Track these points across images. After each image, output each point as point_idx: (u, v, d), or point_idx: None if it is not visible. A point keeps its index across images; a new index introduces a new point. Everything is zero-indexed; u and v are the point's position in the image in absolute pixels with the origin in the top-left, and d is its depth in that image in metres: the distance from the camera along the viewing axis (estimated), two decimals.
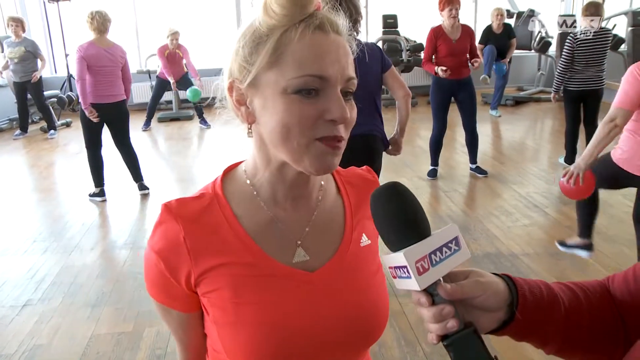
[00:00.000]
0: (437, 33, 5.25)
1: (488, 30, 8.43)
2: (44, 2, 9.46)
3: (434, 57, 5.31)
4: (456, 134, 7.23)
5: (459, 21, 5.26)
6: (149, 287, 0.89)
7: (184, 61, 8.21)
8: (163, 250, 0.83)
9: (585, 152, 3.03)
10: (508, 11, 9.87)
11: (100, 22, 4.76)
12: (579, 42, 5.16)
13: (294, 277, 0.85)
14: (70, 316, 3.16)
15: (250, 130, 0.84)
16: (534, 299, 0.74)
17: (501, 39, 8.32)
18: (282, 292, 0.84)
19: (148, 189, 5.25)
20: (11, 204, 5.23)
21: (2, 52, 7.68)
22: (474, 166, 5.60)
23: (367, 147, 2.97)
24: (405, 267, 0.66)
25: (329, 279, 0.88)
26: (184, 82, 8.26)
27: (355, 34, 2.93)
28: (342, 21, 0.80)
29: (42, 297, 3.38)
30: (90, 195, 5.12)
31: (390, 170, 5.81)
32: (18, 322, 3.13)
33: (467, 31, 5.32)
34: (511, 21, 9.70)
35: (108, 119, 4.97)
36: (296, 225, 0.89)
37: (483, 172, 5.52)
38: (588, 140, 5.46)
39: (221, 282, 0.83)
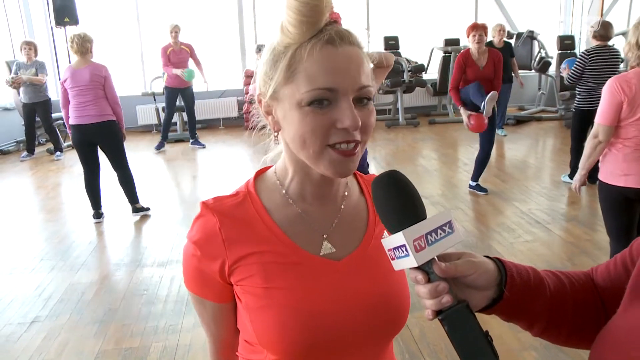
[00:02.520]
0: (465, 59, 5.30)
1: (489, 45, 8.51)
2: (51, 27, 9.63)
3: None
4: (459, 152, 7.32)
5: (484, 46, 5.34)
6: (186, 279, 0.98)
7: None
8: (200, 240, 0.92)
9: (579, 167, 3.09)
10: (508, 32, 10.01)
11: (80, 44, 4.78)
12: (592, 59, 5.23)
13: (320, 265, 0.92)
14: (77, 332, 3.20)
15: (277, 137, 0.93)
16: (521, 280, 0.80)
17: (503, 55, 8.39)
18: (309, 279, 0.91)
19: (142, 211, 5.20)
20: (18, 224, 5.29)
21: (12, 74, 7.80)
22: (474, 184, 5.63)
23: None
24: (403, 245, 0.72)
25: (353, 268, 0.94)
26: (188, 95, 8.27)
27: None
28: (355, 32, 0.87)
29: (50, 314, 3.41)
30: (93, 217, 5.16)
31: None
32: (26, 338, 3.16)
33: (493, 57, 5.36)
34: (511, 41, 9.83)
35: (95, 140, 4.96)
36: (323, 220, 0.96)
37: (483, 189, 5.56)
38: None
39: (253, 270, 0.90)
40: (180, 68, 8.00)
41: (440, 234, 0.74)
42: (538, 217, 4.81)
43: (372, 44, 10.92)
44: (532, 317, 0.82)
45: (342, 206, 0.98)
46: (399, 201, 0.75)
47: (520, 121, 9.74)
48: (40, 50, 8.07)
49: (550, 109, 10.32)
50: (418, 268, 0.74)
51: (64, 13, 9.06)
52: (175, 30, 7.97)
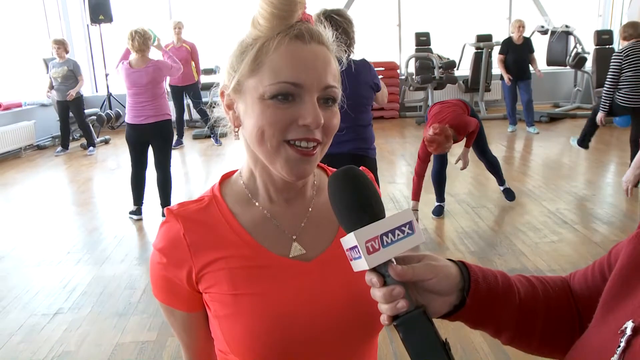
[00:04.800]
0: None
1: (508, 41, 8.40)
2: (87, 25, 9.86)
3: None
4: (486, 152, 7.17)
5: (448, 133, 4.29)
6: (154, 289, 0.94)
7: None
8: (165, 247, 0.89)
9: (634, 166, 2.92)
10: (542, 27, 9.79)
11: (141, 42, 4.73)
12: (628, 56, 5.14)
13: (290, 267, 0.89)
14: (97, 325, 3.27)
15: (237, 133, 0.90)
16: (487, 286, 0.76)
17: (521, 51, 8.29)
18: (278, 282, 0.88)
19: None
20: (50, 216, 5.43)
21: (47, 72, 8.01)
22: (502, 188, 5.19)
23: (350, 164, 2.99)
24: (356, 247, 0.68)
25: (325, 268, 0.91)
26: (194, 92, 8.17)
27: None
28: (326, 32, 0.85)
29: (73, 306, 3.50)
30: (130, 213, 5.17)
31: None
32: (49, 329, 3.24)
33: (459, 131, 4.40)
34: (545, 37, 9.62)
35: (148, 139, 4.98)
36: (291, 222, 0.93)
37: (511, 197, 5.13)
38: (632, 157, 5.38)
39: (220, 276, 0.87)
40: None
41: (399, 235, 0.69)
42: (566, 217, 4.69)
43: (404, 40, 10.83)
44: (500, 325, 0.78)
45: (311, 205, 0.95)
46: (354, 199, 0.71)
47: (553, 118, 9.51)
48: (77, 47, 8.30)
49: (586, 105, 10.04)
50: (374, 270, 0.70)
51: (99, 11, 9.29)
52: (179, 27, 8.00)
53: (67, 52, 7.88)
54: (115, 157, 8.13)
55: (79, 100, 8.16)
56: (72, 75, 7.90)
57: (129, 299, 3.55)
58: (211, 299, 0.89)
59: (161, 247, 0.89)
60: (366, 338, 0.95)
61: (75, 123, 8.53)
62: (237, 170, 0.98)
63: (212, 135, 8.72)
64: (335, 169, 0.78)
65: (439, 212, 4.89)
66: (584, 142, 5.92)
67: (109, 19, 9.38)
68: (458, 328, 2.79)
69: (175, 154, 7.98)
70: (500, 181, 5.17)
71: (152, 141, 5.02)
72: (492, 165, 5.09)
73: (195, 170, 7.39)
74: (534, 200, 5.22)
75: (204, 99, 9.02)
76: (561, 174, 6.20)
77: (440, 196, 4.94)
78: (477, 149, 4.96)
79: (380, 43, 10.63)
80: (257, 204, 0.92)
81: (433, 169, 4.87)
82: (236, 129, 0.89)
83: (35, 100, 9.07)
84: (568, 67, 9.72)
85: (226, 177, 0.98)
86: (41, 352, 3.00)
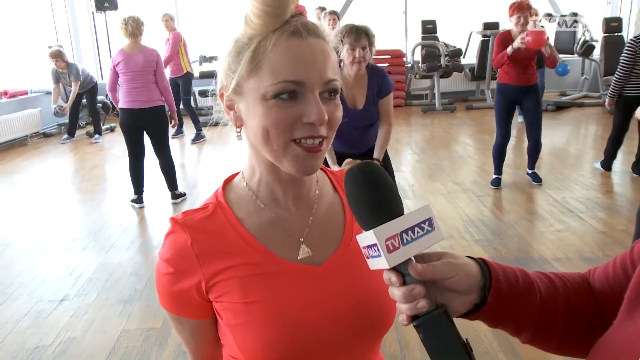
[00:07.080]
0: (505, 39, 4.91)
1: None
2: (92, 12, 9.84)
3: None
4: (493, 139, 7.14)
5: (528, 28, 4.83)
6: (161, 298, 0.92)
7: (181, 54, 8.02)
8: (172, 258, 0.87)
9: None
10: (550, 15, 9.70)
11: (135, 27, 4.74)
12: None
13: (300, 272, 0.88)
14: (103, 311, 3.29)
15: (239, 133, 0.89)
16: (508, 284, 0.74)
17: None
18: (289, 288, 0.87)
19: (181, 197, 5.27)
20: (56, 204, 5.46)
21: (55, 83, 8.12)
22: (530, 171, 5.40)
23: None
24: (375, 245, 0.66)
25: (334, 271, 0.90)
26: (185, 83, 8.04)
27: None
28: (321, 24, 0.84)
29: (79, 293, 3.52)
30: (132, 201, 5.19)
31: (426, 175, 5.80)
32: (55, 315, 3.26)
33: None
34: (553, 25, 9.53)
35: (143, 125, 4.97)
36: (298, 223, 0.92)
37: (538, 180, 5.33)
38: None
39: (231, 285, 0.86)
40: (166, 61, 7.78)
41: (418, 232, 0.67)
42: (571, 206, 4.67)
43: (410, 28, 10.76)
44: (520, 324, 0.76)
45: (316, 206, 0.94)
46: (372, 196, 0.69)
47: (560, 107, 9.45)
48: (82, 34, 8.34)
49: (593, 94, 9.98)
50: (393, 269, 0.68)
51: None
52: (165, 19, 7.85)
53: (64, 61, 7.86)
54: (120, 144, 8.11)
55: (94, 89, 8.34)
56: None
57: (134, 286, 3.57)
58: (222, 308, 0.88)
59: (168, 257, 0.88)
60: (374, 339, 0.95)
61: (83, 110, 8.63)
62: (238, 173, 0.97)
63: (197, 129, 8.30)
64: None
65: (496, 183, 5.33)
66: (607, 164, 5.68)
67: (114, 6, 9.37)
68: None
69: (175, 143, 8.01)
70: (532, 165, 5.42)
71: (147, 127, 5.01)
72: (536, 148, 5.25)
73: (196, 159, 7.40)
74: (540, 189, 5.20)
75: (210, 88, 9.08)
76: (567, 163, 6.18)
77: (498, 169, 5.37)
78: (530, 122, 5.16)
79: (386, 31, 10.57)
80: (262, 206, 0.91)
81: (495, 144, 5.30)
82: (238, 130, 0.88)
83: (41, 87, 9.08)
84: (576, 55, 9.64)
85: (229, 181, 0.97)
86: (48, 338, 3.02)
